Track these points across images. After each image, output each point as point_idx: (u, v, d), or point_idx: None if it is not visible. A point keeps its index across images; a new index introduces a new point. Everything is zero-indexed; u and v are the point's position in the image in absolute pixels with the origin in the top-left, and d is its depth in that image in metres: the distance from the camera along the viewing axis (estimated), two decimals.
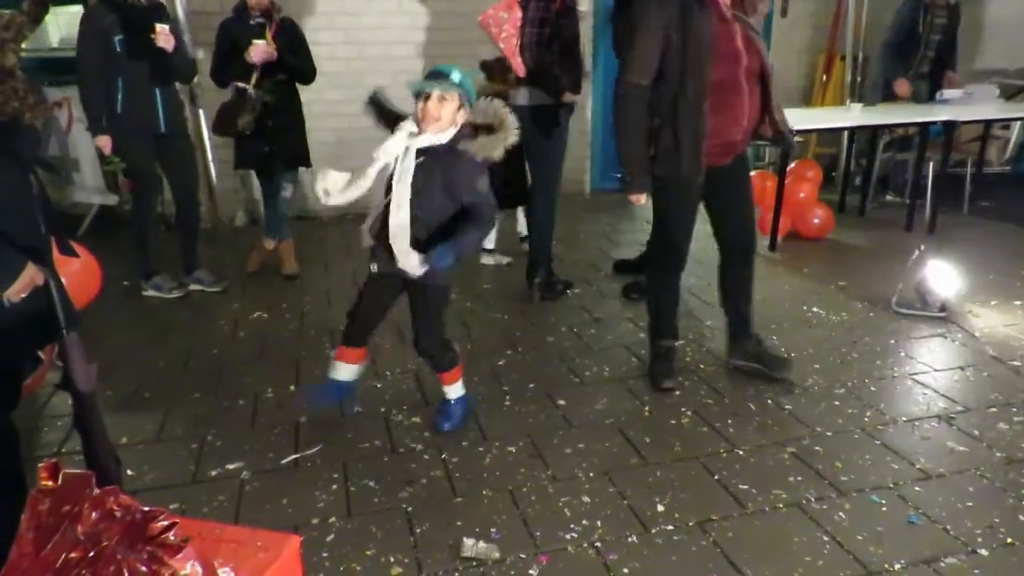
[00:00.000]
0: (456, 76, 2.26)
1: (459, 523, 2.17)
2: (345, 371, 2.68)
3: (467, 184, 2.30)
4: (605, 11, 5.75)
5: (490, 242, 4.52)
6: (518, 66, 3.52)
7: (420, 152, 2.29)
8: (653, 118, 2.62)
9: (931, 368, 3.09)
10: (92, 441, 1.93)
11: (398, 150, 2.31)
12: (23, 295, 1.70)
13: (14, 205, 1.74)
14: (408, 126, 2.33)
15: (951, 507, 2.21)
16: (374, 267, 2.48)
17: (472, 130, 2.30)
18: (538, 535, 2.11)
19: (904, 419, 2.71)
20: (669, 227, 2.87)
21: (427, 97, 2.26)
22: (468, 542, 2.06)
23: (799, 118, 4.58)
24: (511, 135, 2.31)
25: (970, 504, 2.22)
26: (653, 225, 4.04)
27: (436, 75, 2.28)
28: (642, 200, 2.74)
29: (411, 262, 2.34)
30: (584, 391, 2.96)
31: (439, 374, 2.66)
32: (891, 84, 5.52)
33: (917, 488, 2.30)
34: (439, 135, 2.29)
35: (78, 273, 3.06)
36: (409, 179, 2.28)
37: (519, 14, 3.46)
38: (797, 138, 4.62)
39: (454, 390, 2.68)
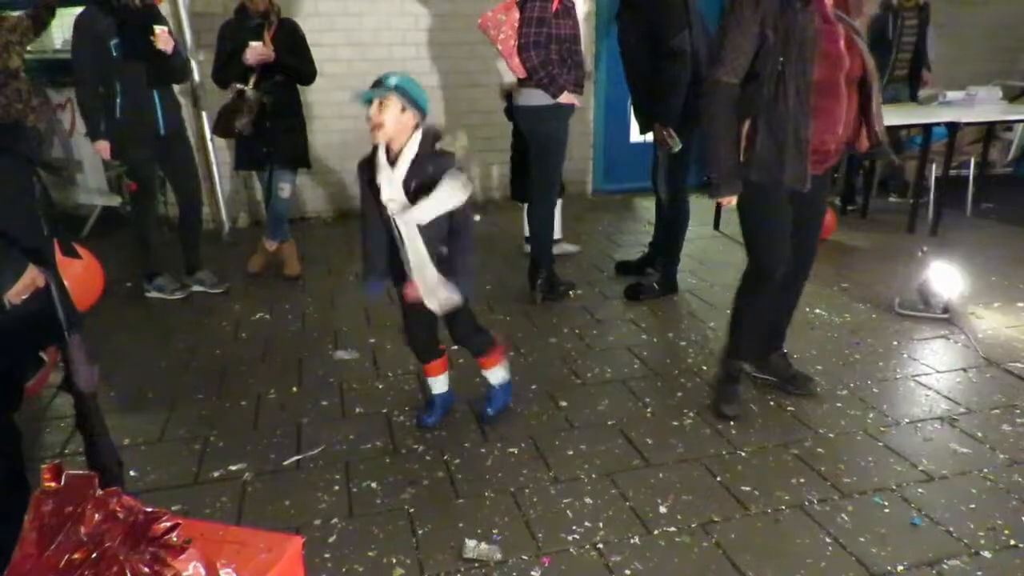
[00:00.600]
0: (391, 81, 2.28)
1: (461, 524, 2.17)
2: (437, 384, 2.75)
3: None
4: (609, 12, 5.75)
5: (557, 231, 4.58)
6: (516, 67, 3.52)
7: (407, 182, 2.31)
8: (745, 120, 2.47)
9: (934, 370, 3.09)
10: (94, 442, 1.93)
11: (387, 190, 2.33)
12: (24, 297, 1.71)
13: (16, 206, 1.74)
14: (382, 170, 2.34)
15: (954, 509, 2.21)
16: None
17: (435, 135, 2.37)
18: (540, 536, 2.11)
19: (907, 421, 2.70)
20: (760, 241, 2.63)
21: (369, 106, 2.30)
22: (470, 543, 2.06)
23: None
24: (464, 134, 2.42)
25: (973, 506, 2.22)
26: (656, 227, 4.01)
27: (374, 83, 2.31)
28: (733, 202, 2.56)
29: (441, 297, 2.41)
30: (586, 392, 2.96)
31: (478, 360, 2.71)
32: None
33: (920, 490, 2.30)
34: (404, 154, 2.30)
35: (80, 275, 3.07)
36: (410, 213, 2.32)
37: (517, 15, 3.46)
38: None
39: (495, 374, 2.73)
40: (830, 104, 2.41)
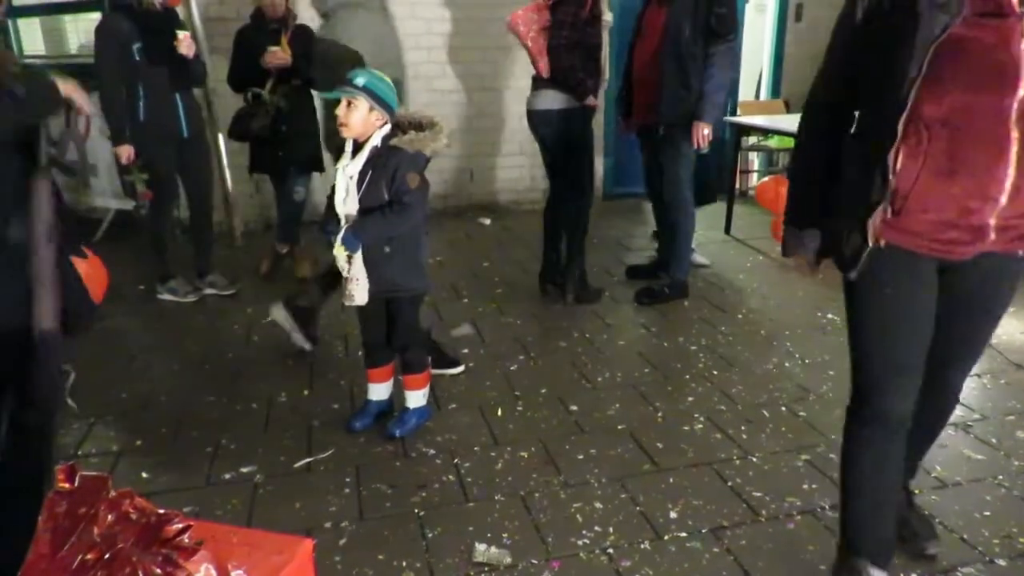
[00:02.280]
0: (360, 80, 2.32)
1: (471, 528, 2.16)
2: (374, 391, 2.75)
3: (400, 174, 2.37)
4: (621, 21, 5.73)
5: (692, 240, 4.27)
6: (544, 67, 3.54)
7: (364, 170, 2.38)
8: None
9: None
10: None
11: (343, 183, 2.41)
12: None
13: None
14: (347, 156, 2.42)
15: (968, 516, 2.19)
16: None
17: (401, 131, 2.40)
18: (550, 541, 2.11)
19: None
20: (854, 339, 1.76)
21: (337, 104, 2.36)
22: (480, 547, 2.06)
23: None
24: (443, 135, 2.41)
25: (987, 513, 2.20)
26: (660, 232, 3.94)
27: (343, 80, 2.34)
28: (815, 272, 1.83)
29: (360, 290, 2.43)
30: (596, 396, 2.95)
31: (406, 376, 2.67)
32: None
33: (933, 497, 2.28)
34: (365, 147, 2.37)
35: (85, 274, 3.08)
36: (357, 203, 2.39)
37: (548, 16, 3.49)
38: None
39: (416, 398, 2.69)
40: (980, 152, 1.46)
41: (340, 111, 2.33)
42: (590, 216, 3.87)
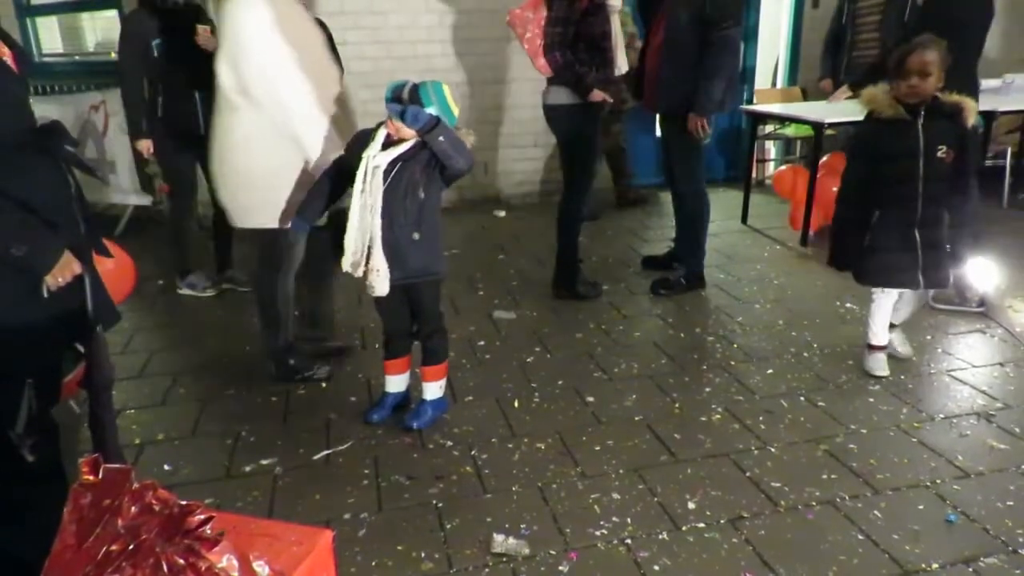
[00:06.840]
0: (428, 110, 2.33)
1: (489, 519, 2.17)
2: (392, 383, 2.76)
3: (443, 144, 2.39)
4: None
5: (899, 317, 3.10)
6: (541, 66, 3.51)
7: (394, 161, 2.39)
8: None
9: (970, 364, 3.03)
10: (104, 438, 1.93)
11: (371, 164, 2.40)
12: (61, 282, 1.73)
13: (54, 204, 1.78)
14: (376, 146, 2.41)
15: (991, 506, 2.16)
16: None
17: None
18: (568, 531, 2.11)
19: (941, 416, 2.65)
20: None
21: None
22: (498, 538, 2.07)
23: (832, 111, 4.50)
24: (471, 136, 2.47)
25: (1011, 503, 2.17)
26: (677, 222, 3.92)
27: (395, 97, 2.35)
28: None
29: (382, 281, 2.46)
30: (613, 388, 2.95)
31: (425, 368, 2.68)
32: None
33: (955, 486, 2.26)
34: (404, 143, 2.40)
35: (111, 272, 3.12)
36: (380, 193, 2.39)
37: (545, 12, 3.45)
38: (829, 131, 4.53)
39: (433, 390, 2.70)
40: None
41: (399, 125, 2.34)
42: (582, 214, 3.81)
